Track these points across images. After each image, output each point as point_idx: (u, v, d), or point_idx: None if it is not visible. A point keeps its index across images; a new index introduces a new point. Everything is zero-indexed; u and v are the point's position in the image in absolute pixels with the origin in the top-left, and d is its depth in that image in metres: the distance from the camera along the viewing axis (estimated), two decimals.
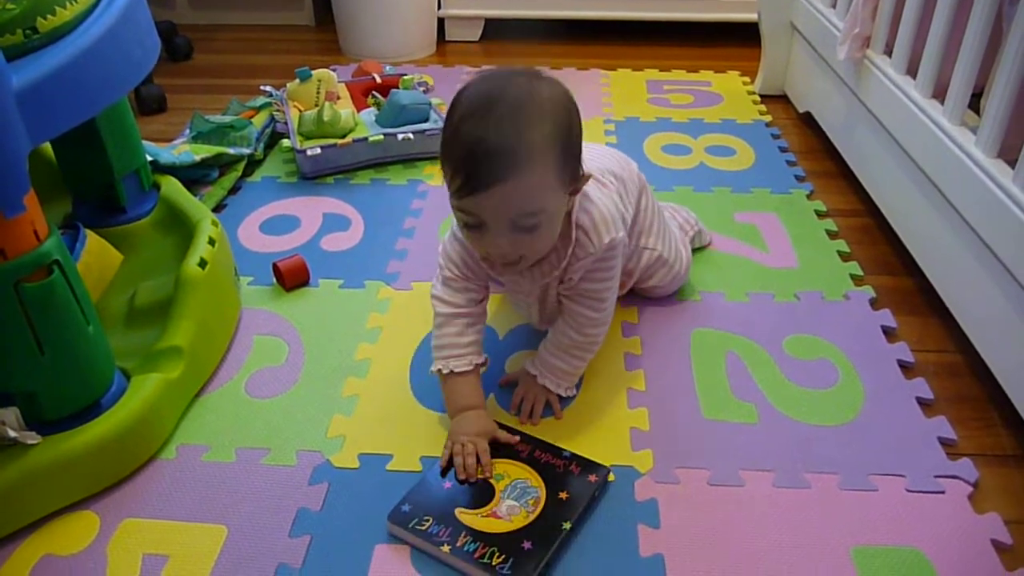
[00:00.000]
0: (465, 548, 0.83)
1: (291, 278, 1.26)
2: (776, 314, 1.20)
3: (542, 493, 0.89)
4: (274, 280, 1.29)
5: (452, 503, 0.88)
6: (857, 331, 1.16)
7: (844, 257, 1.34)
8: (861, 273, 1.29)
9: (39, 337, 0.84)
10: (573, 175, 0.87)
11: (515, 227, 0.84)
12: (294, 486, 0.92)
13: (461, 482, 0.90)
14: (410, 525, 0.85)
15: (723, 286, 1.26)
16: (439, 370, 0.97)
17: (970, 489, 0.91)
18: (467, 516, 0.86)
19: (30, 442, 0.86)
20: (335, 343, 1.15)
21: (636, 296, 1.22)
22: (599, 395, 1.05)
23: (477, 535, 0.84)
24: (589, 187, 0.94)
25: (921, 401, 1.04)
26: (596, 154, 1.06)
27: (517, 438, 0.95)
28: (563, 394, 1.02)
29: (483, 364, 0.98)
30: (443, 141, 0.84)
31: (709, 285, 1.26)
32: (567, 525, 0.85)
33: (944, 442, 0.97)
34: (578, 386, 1.05)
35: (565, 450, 0.94)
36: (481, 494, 0.89)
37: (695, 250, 1.32)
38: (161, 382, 0.97)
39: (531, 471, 0.92)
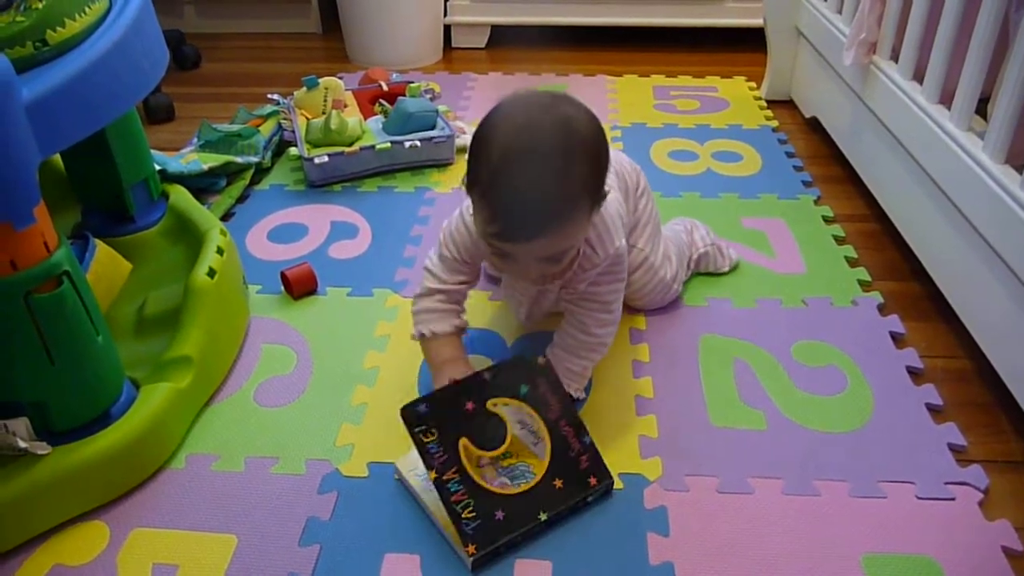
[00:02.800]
0: (449, 485, 0.83)
1: (299, 286, 1.27)
2: (784, 320, 1.20)
3: (540, 474, 0.87)
4: (282, 288, 1.29)
5: (462, 430, 0.87)
6: (865, 337, 1.16)
7: (852, 263, 1.34)
8: (869, 279, 1.29)
9: (49, 348, 0.84)
10: (600, 200, 0.87)
11: (546, 261, 0.86)
12: (303, 495, 0.93)
13: (472, 411, 0.88)
14: (416, 429, 0.85)
15: (731, 292, 1.26)
16: (421, 334, 0.99)
17: (980, 496, 0.91)
18: (468, 452, 0.86)
19: (40, 452, 0.86)
20: (343, 351, 1.15)
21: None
22: (607, 402, 1.05)
23: (465, 479, 0.84)
24: None
25: (930, 407, 1.03)
26: None
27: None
28: (573, 395, 1.02)
29: (463, 328, 1.01)
30: (479, 174, 0.82)
31: (717, 291, 1.26)
32: (543, 516, 0.85)
33: (954, 448, 0.97)
34: (587, 390, 1.05)
35: (588, 435, 0.91)
36: (494, 435, 0.88)
37: (709, 274, 1.30)
38: (170, 392, 0.97)
39: (535, 456, 0.88)
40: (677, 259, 1.20)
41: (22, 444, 0.85)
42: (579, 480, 0.88)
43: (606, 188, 0.88)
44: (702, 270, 1.29)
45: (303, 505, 0.91)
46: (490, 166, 0.80)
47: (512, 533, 0.83)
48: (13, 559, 0.86)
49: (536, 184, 0.79)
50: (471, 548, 0.81)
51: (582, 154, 0.81)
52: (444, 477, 0.83)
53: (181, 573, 0.84)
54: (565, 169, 0.80)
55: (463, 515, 0.82)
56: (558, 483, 0.87)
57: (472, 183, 0.84)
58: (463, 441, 0.86)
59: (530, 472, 0.88)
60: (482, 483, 0.85)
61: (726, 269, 1.30)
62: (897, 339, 1.16)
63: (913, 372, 1.09)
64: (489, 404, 0.90)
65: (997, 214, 1.00)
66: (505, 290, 1.15)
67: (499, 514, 0.83)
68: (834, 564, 0.83)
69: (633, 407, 1.04)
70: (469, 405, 0.89)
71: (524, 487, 0.86)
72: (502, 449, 0.88)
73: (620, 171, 1.09)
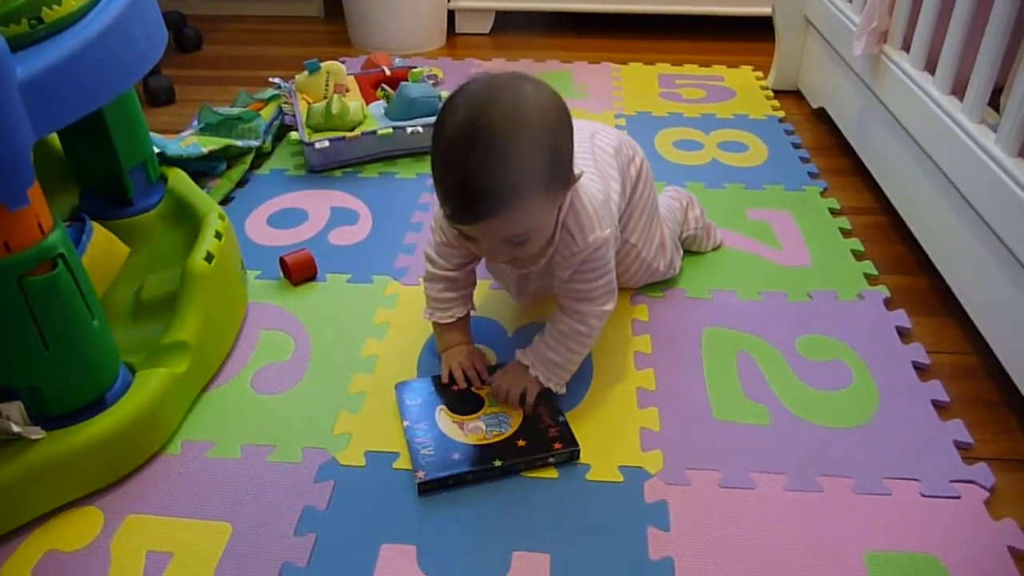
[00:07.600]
0: (416, 432, 0.95)
1: (298, 272, 1.25)
2: (789, 314, 1.18)
3: (509, 432, 0.95)
4: (281, 274, 1.28)
5: (441, 400, 1.00)
6: (871, 332, 1.14)
7: (858, 256, 1.32)
8: (876, 272, 1.28)
9: (43, 331, 0.83)
10: (563, 183, 0.87)
11: (506, 243, 0.86)
12: (300, 484, 0.92)
13: (456, 391, 1.01)
14: (404, 396, 1.01)
15: (735, 284, 1.24)
16: (430, 320, 1.07)
17: (986, 494, 0.89)
18: (443, 415, 0.98)
19: (34, 437, 0.85)
20: (342, 339, 1.14)
21: (645, 294, 1.21)
22: (608, 394, 1.04)
23: (432, 429, 0.95)
24: (581, 181, 0.91)
25: (936, 404, 1.02)
26: (604, 133, 1.09)
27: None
28: (554, 389, 0.99)
29: (465, 316, 1.06)
30: (433, 159, 0.84)
31: (721, 283, 1.25)
32: (497, 463, 0.90)
33: (960, 446, 0.96)
34: (586, 387, 1.04)
35: (563, 416, 0.97)
36: (469, 404, 0.99)
37: (704, 252, 1.32)
38: (166, 377, 0.96)
39: (519, 414, 0.98)
40: (672, 244, 1.20)
41: (16, 429, 0.84)
42: (544, 442, 0.93)
43: (576, 172, 0.88)
44: (684, 249, 1.29)
45: (299, 494, 0.90)
46: (439, 151, 0.82)
47: (461, 470, 0.90)
48: (6, 544, 0.85)
49: (480, 167, 0.78)
50: (420, 474, 0.89)
51: (531, 137, 0.80)
52: (414, 427, 0.96)
53: (175, 560, 0.83)
54: (511, 153, 0.79)
55: (422, 451, 0.92)
56: (521, 443, 0.93)
57: (432, 170, 0.85)
58: (441, 408, 0.99)
59: (507, 423, 0.96)
60: (448, 431, 0.95)
61: (707, 251, 1.32)
62: (903, 334, 1.14)
63: (919, 368, 1.08)
64: (474, 388, 1.02)
65: (1008, 208, 0.99)
66: (489, 272, 1.14)
67: (456, 455, 0.92)
68: (837, 561, 0.82)
69: (635, 399, 1.03)
70: (456, 388, 1.02)
71: (487, 439, 0.94)
72: (478, 415, 0.97)
73: (620, 149, 1.08)
